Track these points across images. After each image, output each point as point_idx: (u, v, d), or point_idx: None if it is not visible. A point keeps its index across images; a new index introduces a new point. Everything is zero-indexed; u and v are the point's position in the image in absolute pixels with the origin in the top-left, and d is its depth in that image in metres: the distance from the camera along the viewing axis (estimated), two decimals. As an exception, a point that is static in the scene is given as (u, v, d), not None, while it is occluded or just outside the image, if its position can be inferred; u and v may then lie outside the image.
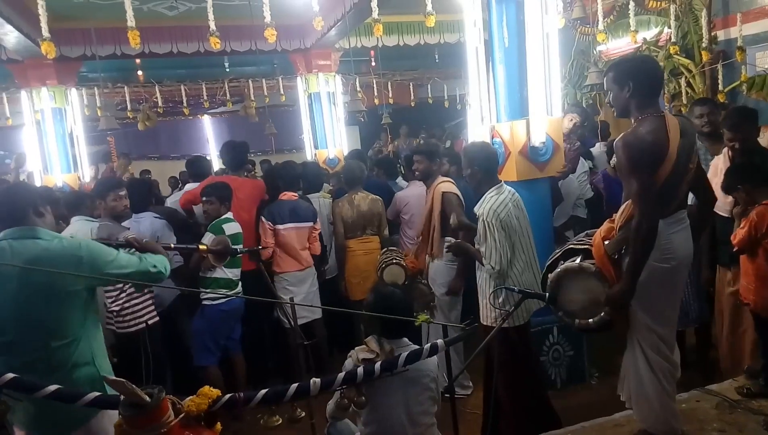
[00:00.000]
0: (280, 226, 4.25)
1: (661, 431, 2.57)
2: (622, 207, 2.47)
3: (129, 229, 3.67)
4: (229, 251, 3.51)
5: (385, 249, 4.20)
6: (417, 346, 2.41)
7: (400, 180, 5.90)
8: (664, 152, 2.32)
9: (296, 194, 4.47)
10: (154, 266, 2.42)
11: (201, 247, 3.34)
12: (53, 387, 1.90)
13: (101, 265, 2.26)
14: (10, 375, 1.88)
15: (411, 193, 4.65)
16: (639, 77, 2.44)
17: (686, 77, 6.02)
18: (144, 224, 3.97)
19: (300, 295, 4.24)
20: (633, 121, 2.45)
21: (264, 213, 4.29)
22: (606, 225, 2.56)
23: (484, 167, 3.24)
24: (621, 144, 2.36)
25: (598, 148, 6.06)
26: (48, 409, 2.12)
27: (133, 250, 2.56)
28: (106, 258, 2.29)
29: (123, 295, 3.52)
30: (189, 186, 4.86)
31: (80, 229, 3.70)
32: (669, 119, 2.38)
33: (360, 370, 2.17)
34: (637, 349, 2.54)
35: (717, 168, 3.40)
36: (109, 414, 2.20)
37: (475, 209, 3.22)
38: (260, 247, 4.07)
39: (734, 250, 2.98)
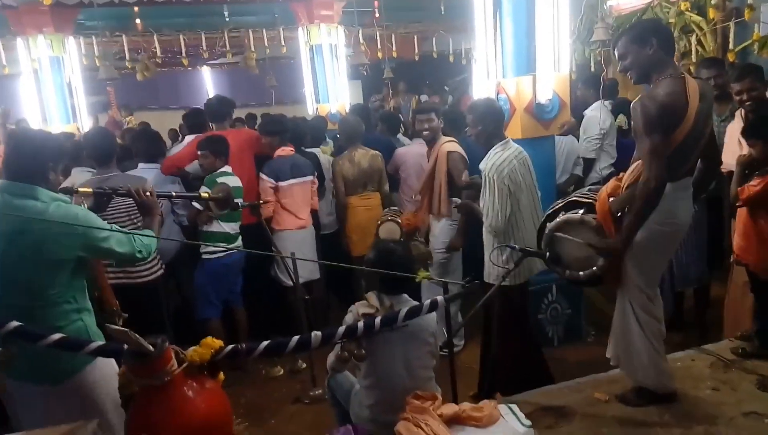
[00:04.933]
0: (282, 183, 4.19)
1: (653, 387, 2.63)
2: (632, 166, 2.46)
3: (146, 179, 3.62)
4: (231, 199, 3.48)
5: (386, 210, 4.18)
6: (417, 302, 2.43)
7: (401, 136, 5.84)
8: (682, 115, 2.30)
9: (293, 148, 4.40)
10: (140, 251, 2.33)
11: (203, 194, 3.31)
12: (57, 336, 1.93)
13: (93, 240, 2.20)
14: (15, 323, 1.90)
15: (410, 152, 4.61)
16: (661, 33, 2.42)
17: (697, 35, 5.88)
18: (150, 176, 3.91)
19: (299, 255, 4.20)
20: (651, 85, 2.41)
21: (265, 170, 4.21)
22: (612, 182, 2.57)
23: (490, 124, 3.19)
24: (639, 105, 2.33)
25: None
26: (39, 358, 2.11)
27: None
28: (99, 234, 2.21)
29: None
30: (188, 138, 4.80)
31: (80, 180, 3.67)
32: (689, 82, 2.34)
33: (360, 324, 2.19)
34: (629, 309, 2.59)
35: (732, 133, 3.35)
36: (100, 366, 2.23)
37: (481, 165, 3.19)
38: (261, 201, 4.03)
39: (738, 204, 2.97)
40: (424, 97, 10.84)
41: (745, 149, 3.03)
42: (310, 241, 4.40)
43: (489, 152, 3.17)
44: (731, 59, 5.24)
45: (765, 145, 2.87)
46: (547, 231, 2.67)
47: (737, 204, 2.99)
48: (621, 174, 2.61)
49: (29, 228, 2.09)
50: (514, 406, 2.32)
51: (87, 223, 2.19)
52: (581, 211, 2.61)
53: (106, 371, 2.26)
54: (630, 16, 6.67)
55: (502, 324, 3.23)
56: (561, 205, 2.73)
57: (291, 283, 3.94)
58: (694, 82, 2.38)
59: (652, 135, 2.30)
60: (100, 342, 1.95)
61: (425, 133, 4.06)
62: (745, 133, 3.00)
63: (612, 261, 2.52)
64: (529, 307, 3.53)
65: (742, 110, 3.35)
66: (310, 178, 4.35)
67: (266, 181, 4.17)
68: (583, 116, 4.91)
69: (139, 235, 2.38)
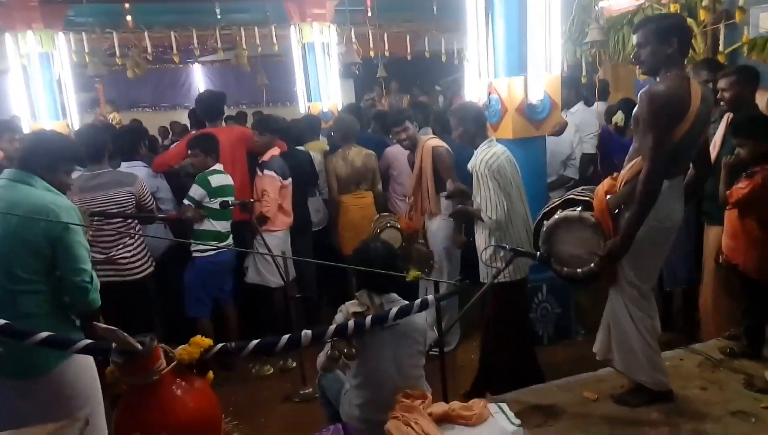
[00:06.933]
0: (286, 182, 4.16)
1: (649, 384, 2.65)
2: (630, 163, 2.48)
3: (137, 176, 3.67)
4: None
5: (378, 216, 4.15)
6: (406, 302, 2.43)
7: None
8: (683, 114, 2.33)
9: (285, 147, 4.40)
10: (90, 279, 2.35)
11: None
12: (45, 334, 1.90)
13: (68, 234, 2.27)
14: (2, 321, 1.88)
15: (399, 150, 4.60)
16: (683, 34, 2.44)
17: (687, 37, 5.90)
18: (141, 174, 3.88)
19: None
20: (657, 78, 2.44)
21: (272, 167, 4.10)
22: (608, 181, 2.58)
23: (472, 125, 3.25)
24: (646, 96, 2.35)
25: (596, 108, 6.00)
26: (13, 354, 2.13)
27: None
28: (76, 235, 2.30)
29: (133, 241, 3.51)
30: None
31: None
32: (693, 83, 2.38)
33: (351, 323, 2.19)
34: (621, 305, 2.61)
35: (716, 143, 3.35)
36: (74, 363, 2.28)
37: (469, 164, 3.22)
38: (252, 199, 4.02)
39: (728, 207, 2.99)
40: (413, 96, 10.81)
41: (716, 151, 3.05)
42: (289, 242, 4.36)
43: (476, 150, 3.20)
44: (721, 60, 5.27)
45: (755, 144, 2.88)
46: (544, 228, 2.68)
47: (727, 207, 3.01)
48: (615, 174, 2.62)
49: (16, 208, 2.21)
50: (504, 405, 2.32)
51: (68, 216, 2.28)
52: (579, 209, 2.62)
53: (83, 368, 2.31)
54: (621, 17, 6.70)
55: (500, 322, 3.25)
56: (557, 202, 2.74)
57: (281, 282, 3.93)
58: (696, 84, 2.41)
59: (658, 127, 2.32)
60: (87, 341, 1.93)
61: (404, 142, 4.10)
62: (734, 132, 3.02)
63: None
64: (526, 304, 3.55)
65: (728, 114, 3.36)
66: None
67: (275, 178, 4.08)
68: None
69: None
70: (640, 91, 2.43)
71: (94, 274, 2.39)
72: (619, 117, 4.75)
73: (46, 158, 2.37)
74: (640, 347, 2.59)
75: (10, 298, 2.21)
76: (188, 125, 6.66)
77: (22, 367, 2.22)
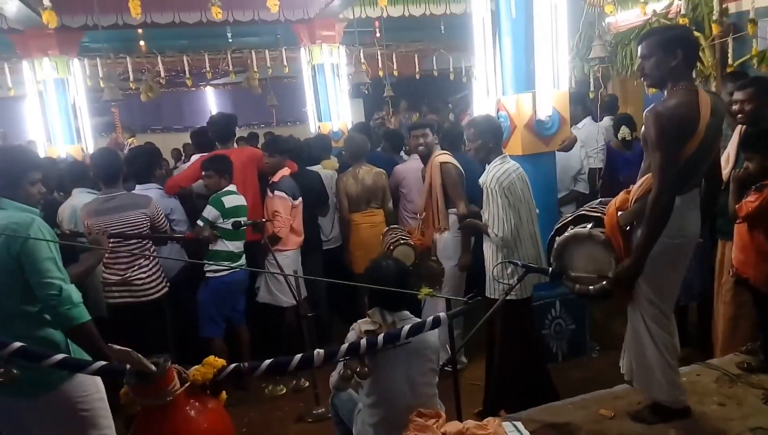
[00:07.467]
0: (296, 202, 4.21)
1: (666, 402, 2.61)
2: (641, 180, 2.46)
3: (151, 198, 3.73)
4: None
5: (388, 228, 4.15)
6: (418, 319, 2.42)
7: (404, 154, 5.88)
8: (693, 128, 2.29)
9: (296, 167, 4.46)
10: (61, 290, 2.17)
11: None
12: (60, 356, 1.92)
13: (27, 248, 2.15)
14: (17, 344, 1.90)
15: (409, 168, 4.63)
16: (688, 46, 2.39)
17: (696, 50, 5.89)
18: (154, 196, 3.91)
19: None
20: (665, 92, 2.41)
21: (281, 188, 4.17)
22: (621, 195, 2.55)
23: (490, 139, 3.25)
24: (652, 115, 2.32)
25: (605, 122, 6.01)
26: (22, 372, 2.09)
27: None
28: (43, 253, 2.17)
29: (149, 262, 3.56)
30: (195, 157, 4.83)
31: (82, 201, 3.70)
32: (702, 95, 2.34)
33: (363, 341, 2.19)
34: (640, 323, 2.56)
35: (730, 156, 3.30)
36: (78, 381, 2.25)
37: (480, 179, 3.23)
38: (264, 220, 4.05)
39: (738, 221, 2.96)
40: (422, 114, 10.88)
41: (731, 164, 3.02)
42: (299, 261, 4.39)
43: (488, 166, 3.21)
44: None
45: (763, 158, 2.86)
46: (555, 245, 2.67)
47: (737, 221, 2.98)
48: (630, 187, 2.60)
49: None
50: (519, 424, 2.31)
51: (34, 234, 2.16)
52: (590, 225, 2.60)
53: (92, 388, 2.28)
54: (628, 32, 6.72)
55: (506, 339, 3.23)
56: (570, 218, 2.73)
57: (292, 302, 3.94)
58: (706, 96, 2.36)
59: (665, 146, 2.28)
60: (102, 362, 1.94)
61: (420, 148, 4.09)
62: (743, 146, 2.99)
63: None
64: (533, 321, 3.53)
65: (741, 127, 3.32)
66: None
67: (286, 199, 4.14)
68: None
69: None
70: (645, 111, 2.41)
71: (70, 288, 2.22)
72: (625, 131, 4.77)
73: (6, 177, 2.28)
74: (659, 365, 2.54)
75: (8, 323, 2.18)
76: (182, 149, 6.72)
77: (31, 385, 2.19)
